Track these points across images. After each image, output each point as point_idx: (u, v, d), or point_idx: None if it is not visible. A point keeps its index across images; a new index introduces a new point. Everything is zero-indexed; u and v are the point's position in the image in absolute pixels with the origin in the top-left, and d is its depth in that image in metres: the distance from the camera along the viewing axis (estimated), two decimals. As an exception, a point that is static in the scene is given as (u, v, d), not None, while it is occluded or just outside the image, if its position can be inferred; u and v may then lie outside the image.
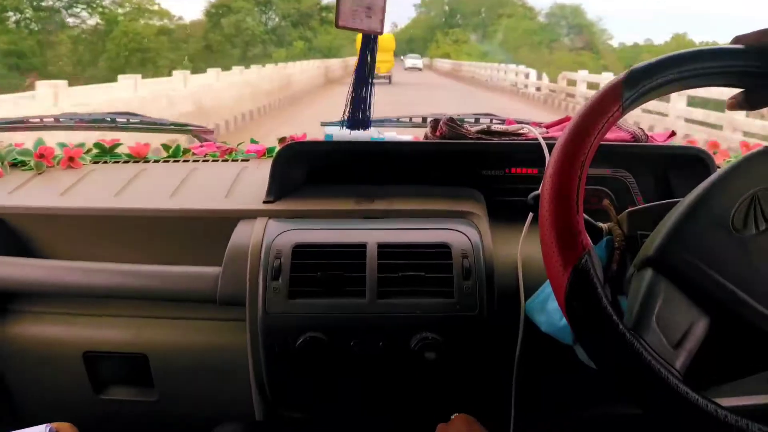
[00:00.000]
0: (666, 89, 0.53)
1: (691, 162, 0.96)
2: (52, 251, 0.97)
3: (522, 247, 0.82)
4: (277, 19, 44.18)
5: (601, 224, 0.64)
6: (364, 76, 0.91)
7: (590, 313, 0.47)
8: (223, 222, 0.91)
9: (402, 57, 49.30)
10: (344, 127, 0.95)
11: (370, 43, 0.89)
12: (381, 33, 0.88)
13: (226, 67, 14.17)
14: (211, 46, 35.31)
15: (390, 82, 23.38)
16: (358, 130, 0.95)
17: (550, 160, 0.53)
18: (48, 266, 0.92)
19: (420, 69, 44.82)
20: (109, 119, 1.26)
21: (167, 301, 0.90)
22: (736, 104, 0.58)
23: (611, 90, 0.52)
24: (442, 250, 0.83)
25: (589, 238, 0.50)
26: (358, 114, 0.93)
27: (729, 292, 0.47)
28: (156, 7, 32.45)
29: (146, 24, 30.41)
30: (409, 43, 60.40)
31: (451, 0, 65.01)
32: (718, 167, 0.96)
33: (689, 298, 0.48)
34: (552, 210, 0.50)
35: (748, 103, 0.57)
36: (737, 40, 0.54)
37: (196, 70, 13.17)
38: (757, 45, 0.53)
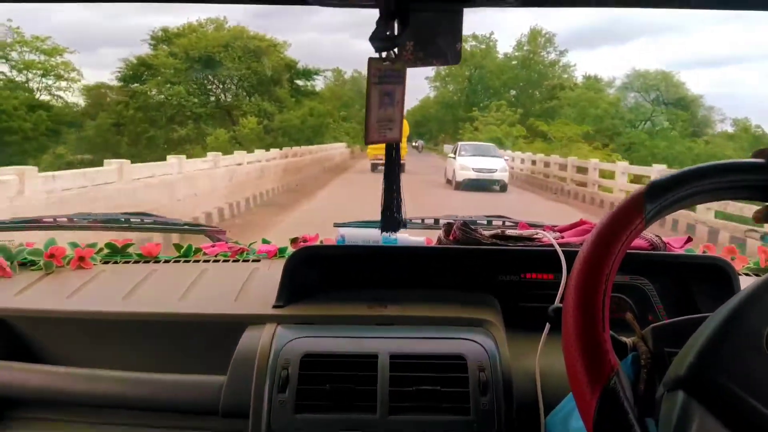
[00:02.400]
0: (687, 202, 0.52)
1: (710, 270, 0.93)
2: (55, 354, 0.94)
3: (540, 358, 0.78)
4: (233, 87, 29.37)
5: (624, 339, 0.61)
6: (393, 178, 0.93)
7: None
8: (231, 327, 0.88)
9: (413, 143, 42.20)
10: (381, 231, 0.95)
11: (394, 149, 0.92)
12: (400, 141, 0.91)
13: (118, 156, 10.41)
14: (123, 125, 24.91)
15: (403, 171, 21.76)
16: (393, 231, 0.95)
17: (572, 272, 0.51)
18: (48, 372, 0.89)
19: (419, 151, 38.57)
20: (123, 219, 1.26)
21: (169, 411, 0.86)
22: (762, 217, 0.58)
23: (633, 202, 0.51)
24: (457, 362, 0.80)
25: (616, 357, 0.47)
26: (391, 214, 0.93)
27: (766, 419, 0.44)
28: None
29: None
30: (416, 126, 49.25)
31: (476, 73, 48.93)
32: (739, 274, 0.95)
33: (724, 425, 0.44)
34: (577, 326, 0.48)
35: None
36: (758, 154, 0.54)
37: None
38: None
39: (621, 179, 12.05)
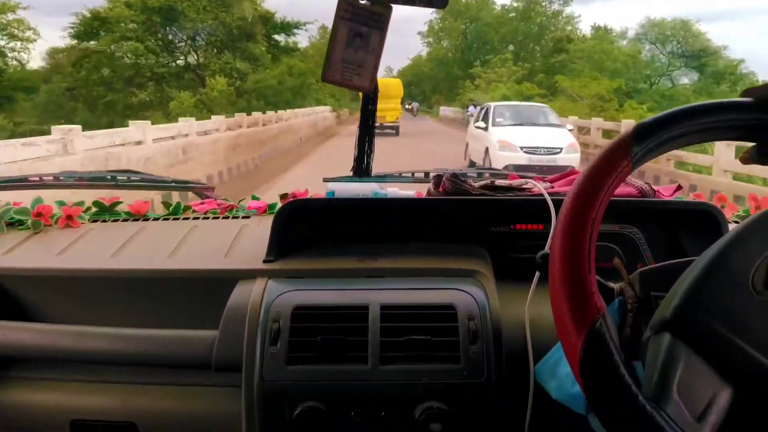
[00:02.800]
0: (675, 144, 0.55)
1: (700, 217, 0.99)
2: (45, 313, 0.99)
3: (530, 307, 0.84)
4: (201, 42, 27.02)
5: (612, 284, 0.65)
6: (366, 127, 0.99)
7: (606, 382, 0.47)
8: (222, 282, 0.92)
9: (407, 105, 39.21)
10: (353, 175, 1.02)
11: (369, 101, 0.95)
12: (369, 91, 0.91)
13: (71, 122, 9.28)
14: (76, 89, 23.96)
15: (397, 134, 19.71)
16: (361, 179, 1.02)
17: (558, 217, 0.53)
18: (38, 330, 0.93)
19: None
20: (109, 177, 1.32)
21: (162, 366, 0.91)
22: (749, 158, 0.60)
23: (620, 145, 0.53)
24: (447, 311, 0.85)
25: (602, 300, 0.50)
26: (362, 165, 1.01)
27: (753, 360, 0.46)
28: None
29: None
30: (408, 87, 45.04)
31: (472, 27, 45.76)
32: (728, 222, 1.01)
33: (711, 365, 0.47)
34: (563, 270, 0.50)
35: (761, 156, 0.58)
36: (747, 93, 0.56)
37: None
38: (767, 98, 0.55)
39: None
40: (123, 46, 24.78)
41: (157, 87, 25.34)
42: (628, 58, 31.40)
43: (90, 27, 24.74)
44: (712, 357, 0.47)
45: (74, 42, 25.08)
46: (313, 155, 14.34)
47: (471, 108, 20.90)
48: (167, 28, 26.56)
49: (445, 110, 40.15)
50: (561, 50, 36.33)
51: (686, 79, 33.90)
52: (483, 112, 12.26)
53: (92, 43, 24.82)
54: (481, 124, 11.58)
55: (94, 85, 24.25)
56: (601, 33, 38.09)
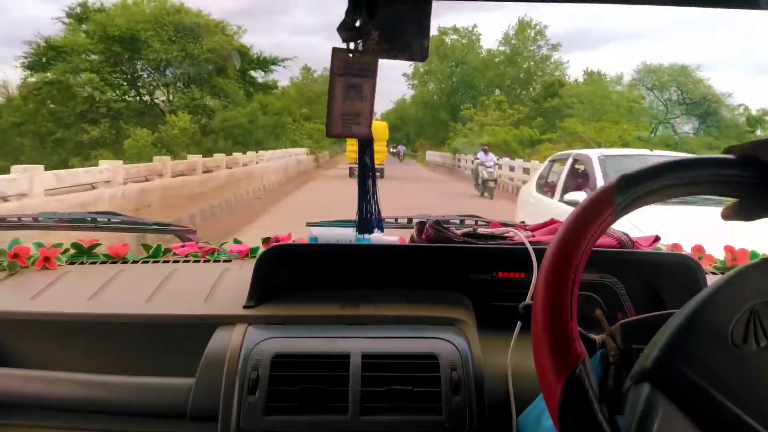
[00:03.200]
0: (658, 196, 0.58)
1: (678, 269, 1.07)
2: (18, 356, 1.01)
3: (512, 357, 0.88)
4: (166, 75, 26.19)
5: (594, 336, 0.68)
6: (365, 179, 1.05)
7: (585, 428, 0.50)
8: (201, 328, 0.96)
9: (392, 148, 38.57)
10: (356, 231, 1.07)
11: (367, 146, 1.04)
12: (368, 138, 1.01)
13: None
14: (24, 124, 22.76)
15: (382, 176, 19.57)
16: (369, 233, 1.07)
17: (541, 268, 0.56)
18: (8, 375, 0.95)
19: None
20: (89, 219, 1.38)
21: (136, 416, 0.93)
22: (730, 214, 0.63)
23: (604, 195, 0.57)
24: (429, 361, 0.89)
25: (583, 347, 0.53)
26: (367, 216, 1.06)
27: (731, 414, 0.49)
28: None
29: None
30: (392, 130, 41.72)
31: (458, 70, 48.00)
32: (706, 273, 1.09)
33: (689, 417, 0.49)
34: (545, 321, 0.53)
35: (742, 213, 0.62)
36: (729, 150, 0.60)
37: None
38: (749, 155, 0.59)
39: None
40: (77, 78, 23.75)
41: (113, 123, 24.04)
42: (633, 103, 31.58)
43: (44, 56, 23.95)
44: (690, 408, 0.50)
45: (27, 73, 24.33)
46: (273, 212, 11.93)
47: (481, 154, 17.82)
48: (133, 61, 25.78)
49: (432, 155, 39.86)
50: (554, 95, 37.05)
51: (687, 126, 33.72)
52: (571, 167, 6.47)
53: (47, 74, 23.90)
54: (576, 196, 5.45)
55: (43, 120, 23.18)
56: (595, 78, 39.02)
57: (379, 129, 22.94)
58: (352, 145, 18.84)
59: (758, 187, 0.59)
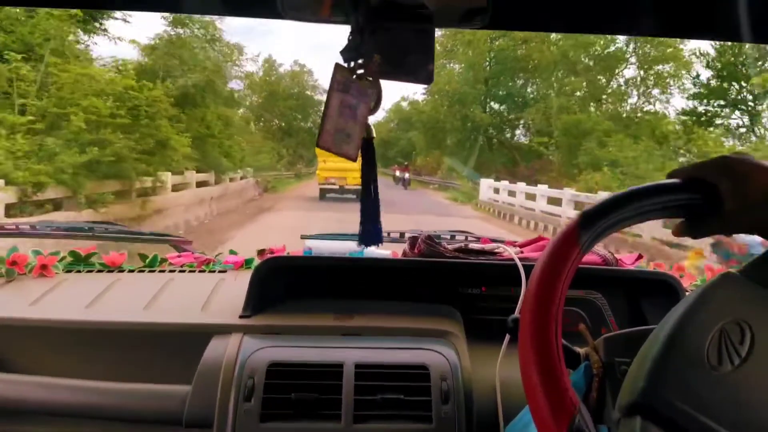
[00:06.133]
0: (620, 226, 0.61)
1: (659, 286, 1.11)
2: (15, 363, 1.02)
3: (500, 369, 0.91)
4: None
5: (577, 349, 0.70)
6: (370, 191, 1.04)
7: None
8: (197, 337, 0.98)
9: (396, 172, 28.50)
10: (359, 244, 1.04)
11: (369, 154, 1.03)
12: (355, 160, 1.00)
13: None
14: None
15: (358, 198, 17.33)
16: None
17: (528, 286, 0.59)
18: (6, 380, 0.97)
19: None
20: (86, 228, 1.39)
21: (132, 422, 0.95)
22: (680, 232, 0.67)
23: (568, 234, 0.60)
24: (420, 371, 0.92)
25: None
26: (370, 228, 1.04)
27: None
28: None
29: None
30: (387, 145, 38.25)
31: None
32: (686, 291, 1.13)
33: None
34: (533, 335, 0.56)
35: (691, 231, 0.66)
36: (672, 174, 0.64)
37: None
38: (692, 177, 0.63)
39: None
40: None
41: None
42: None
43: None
44: None
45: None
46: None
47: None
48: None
49: (486, 183, 19.71)
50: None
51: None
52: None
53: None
54: None
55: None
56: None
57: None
58: (323, 162, 17.01)
59: (702, 207, 0.62)
